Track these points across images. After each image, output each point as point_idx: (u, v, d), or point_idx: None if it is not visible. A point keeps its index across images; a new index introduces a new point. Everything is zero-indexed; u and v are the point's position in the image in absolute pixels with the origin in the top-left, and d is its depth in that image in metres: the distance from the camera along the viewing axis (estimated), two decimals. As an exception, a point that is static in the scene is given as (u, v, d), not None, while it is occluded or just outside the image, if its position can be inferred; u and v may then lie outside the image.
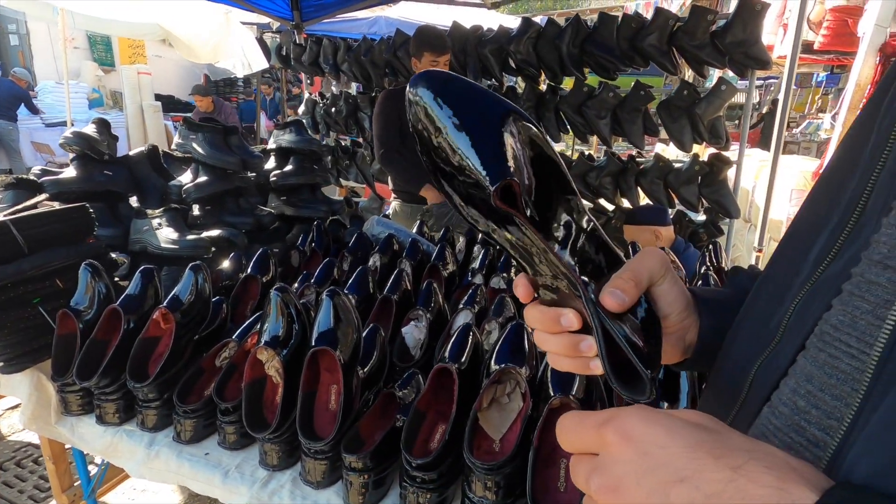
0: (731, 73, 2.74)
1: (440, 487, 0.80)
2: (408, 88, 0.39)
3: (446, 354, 0.90)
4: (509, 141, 0.36)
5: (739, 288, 0.46)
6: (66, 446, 1.22)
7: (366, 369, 0.97)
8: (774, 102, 7.25)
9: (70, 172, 1.53)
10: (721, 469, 0.22)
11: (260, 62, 4.39)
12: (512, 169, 0.35)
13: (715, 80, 2.27)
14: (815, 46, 3.23)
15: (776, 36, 4.37)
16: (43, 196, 1.36)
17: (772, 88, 8.36)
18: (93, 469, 1.36)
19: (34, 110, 6.40)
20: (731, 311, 0.43)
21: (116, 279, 1.28)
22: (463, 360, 0.89)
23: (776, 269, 0.39)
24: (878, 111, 0.33)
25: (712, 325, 0.44)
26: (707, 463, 0.23)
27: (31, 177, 1.48)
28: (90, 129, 1.62)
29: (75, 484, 1.30)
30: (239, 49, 4.43)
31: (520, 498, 0.79)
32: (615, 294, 0.37)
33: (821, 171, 0.42)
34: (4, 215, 1.16)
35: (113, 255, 1.31)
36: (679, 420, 0.25)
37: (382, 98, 2.33)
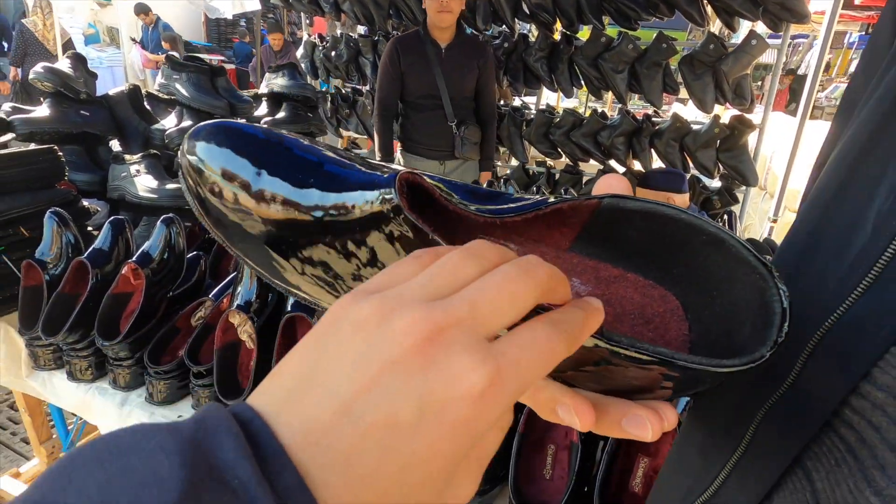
0: (761, 29, 2.54)
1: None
2: (185, 150, 0.28)
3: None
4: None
5: None
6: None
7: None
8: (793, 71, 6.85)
9: (42, 111, 1.42)
10: None
11: (252, 2, 4.14)
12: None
13: (743, 36, 2.09)
14: (857, 1, 2.97)
15: (813, -11, 4.05)
16: (9, 136, 1.27)
17: (799, 48, 7.90)
18: (72, 419, 1.34)
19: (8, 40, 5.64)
20: None
21: (90, 229, 1.21)
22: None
23: (808, 273, 0.28)
24: None
25: None
26: None
27: (1, 114, 1.38)
28: (64, 65, 1.50)
29: (53, 437, 1.28)
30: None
31: (503, 481, 0.75)
32: None
33: (836, 152, 0.30)
34: (-36, 156, 1.07)
35: (86, 203, 1.23)
36: None
37: (388, 46, 2.17)
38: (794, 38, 7.38)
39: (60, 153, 1.18)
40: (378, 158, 2.20)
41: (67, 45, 5.15)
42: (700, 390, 0.24)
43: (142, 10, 6.32)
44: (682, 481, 0.34)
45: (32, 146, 1.32)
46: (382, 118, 2.17)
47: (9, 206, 1.05)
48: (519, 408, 0.73)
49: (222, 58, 7.76)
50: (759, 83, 7.17)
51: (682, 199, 1.93)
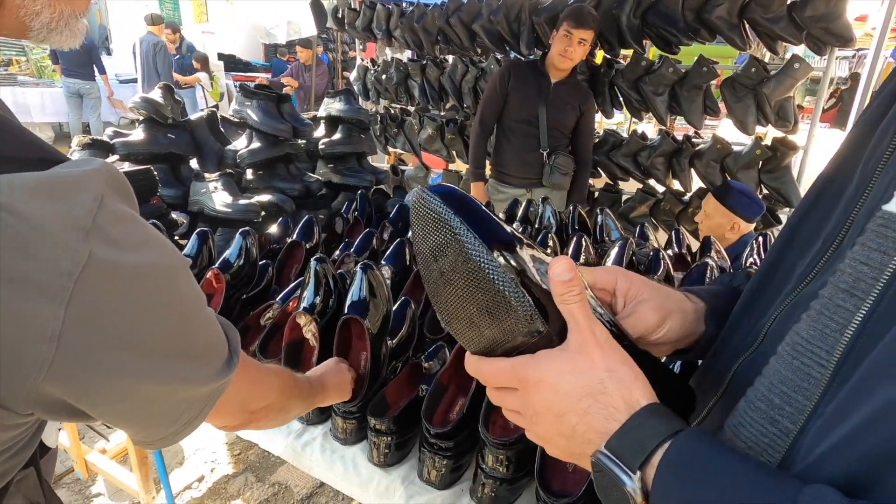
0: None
1: (456, 456, 0.86)
2: (420, 204, 0.38)
3: (471, 332, 0.94)
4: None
5: (735, 289, 0.52)
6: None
7: (394, 340, 1.02)
8: (855, 77, 6.55)
9: (138, 135, 1.64)
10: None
11: (309, 28, 4.46)
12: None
13: (790, 56, 2.10)
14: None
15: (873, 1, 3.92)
16: (114, 157, 1.48)
17: (864, 59, 7.52)
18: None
19: (100, 67, 6.01)
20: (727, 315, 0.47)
21: (176, 237, 1.39)
22: (486, 339, 0.93)
23: (777, 275, 0.42)
24: (872, 134, 0.35)
25: (714, 334, 0.48)
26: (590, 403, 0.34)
27: (104, 138, 1.61)
28: (156, 94, 1.72)
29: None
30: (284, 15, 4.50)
31: (531, 473, 0.84)
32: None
33: (820, 178, 0.42)
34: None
35: (174, 215, 1.42)
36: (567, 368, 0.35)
37: (501, 68, 2.31)
38: (858, 50, 7.05)
39: (155, 172, 1.38)
40: (470, 170, 2.37)
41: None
42: None
43: (171, 27, 6.44)
44: None
45: (127, 165, 1.54)
46: (479, 135, 2.32)
47: (116, 217, 1.24)
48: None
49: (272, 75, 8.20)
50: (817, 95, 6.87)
51: (746, 227, 1.90)
